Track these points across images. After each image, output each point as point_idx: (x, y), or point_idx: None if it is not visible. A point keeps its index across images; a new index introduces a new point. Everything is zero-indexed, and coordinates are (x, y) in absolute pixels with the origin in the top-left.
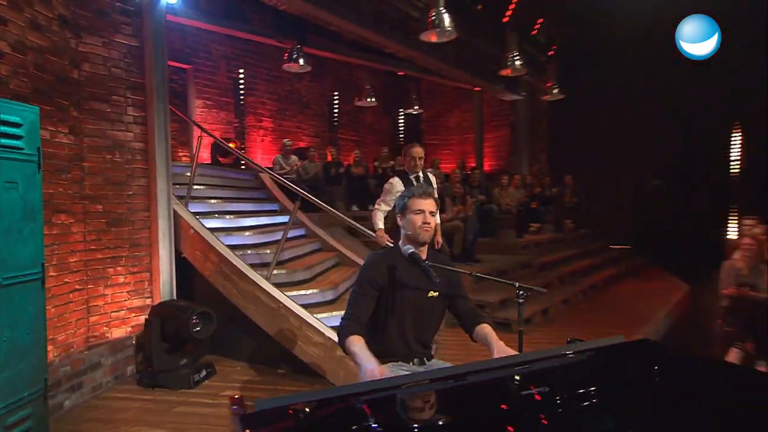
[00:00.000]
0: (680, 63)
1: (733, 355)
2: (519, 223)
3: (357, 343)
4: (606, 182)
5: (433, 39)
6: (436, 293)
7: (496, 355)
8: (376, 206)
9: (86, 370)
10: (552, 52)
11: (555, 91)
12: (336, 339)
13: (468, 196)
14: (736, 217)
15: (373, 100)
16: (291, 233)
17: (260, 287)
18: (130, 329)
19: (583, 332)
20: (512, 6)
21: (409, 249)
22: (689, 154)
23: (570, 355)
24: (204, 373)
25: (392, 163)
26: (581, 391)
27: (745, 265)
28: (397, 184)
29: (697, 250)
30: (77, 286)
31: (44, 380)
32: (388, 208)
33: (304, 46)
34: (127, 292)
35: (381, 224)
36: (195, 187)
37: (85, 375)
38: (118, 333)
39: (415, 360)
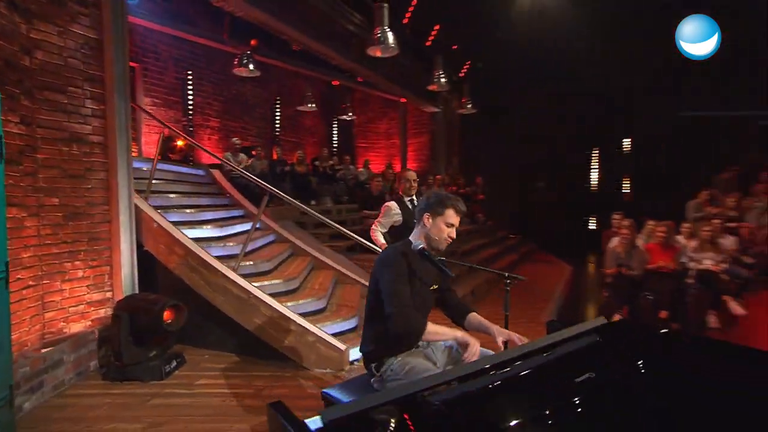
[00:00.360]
0: (564, 96)
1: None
2: None
3: (436, 325)
4: (503, 182)
5: (378, 54)
6: (436, 287)
7: (498, 337)
8: (374, 227)
9: (47, 368)
10: (463, 74)
11: (469, 106)
12: (306, 325)
13: None
14: (594, 215)
15: (314, 105)
16: (247, 226)
17: (229, 278)
18: (90, 323)
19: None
20: (434, 33)
21: (420, 244)
22: (565, 165)
23: (577, 340)
24: (174, 363)
25: (331, 162)
26: (616, 371)
27: (623, 249)
28: (394, 207)
29: (570, 238)
30: (31, 282)
31: (9, 387)
32: (384, 230)
33: (255, 53)
34: (87, 286)
35: (383, 239)
36: (152, 181)
37: (45, 374)
38: (77, 328)
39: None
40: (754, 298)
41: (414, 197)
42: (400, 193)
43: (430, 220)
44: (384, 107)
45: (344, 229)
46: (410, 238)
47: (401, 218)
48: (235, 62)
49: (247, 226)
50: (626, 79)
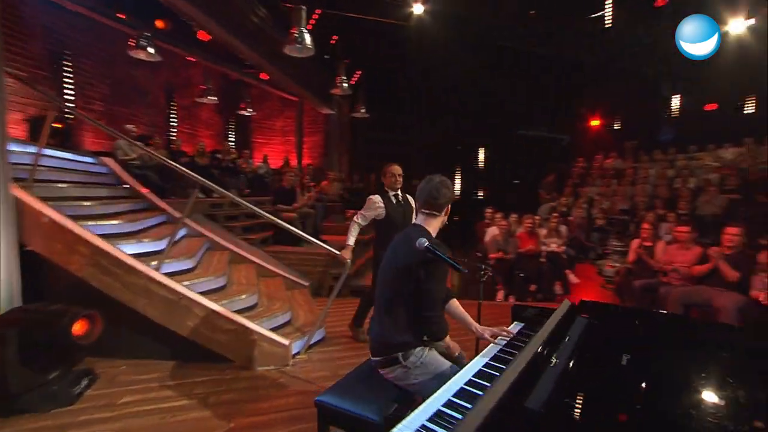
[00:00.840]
0: (437, 111)
1: (499, 295)
2: (341, 209)
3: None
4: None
5: (295, 54)
6: None
7: (485, 333)
8: (355, 218)
9: None
10: (354, 81)
11: (363, 111)
12: (246, 323)
13: (312, 186)
14: (458, 213)
15: (215, 98)
16: (152, 221)
17: (154, 279)
18: None
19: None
20: (333, 42)
21: (425, 242)
22: (436, 170)
23: (568, 328)
24: (85, 382)
25: (233, 155)
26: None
27: (502, 237)
28: (377, 201)
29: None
30: None
31: None
32: (365, 223)
33: (153, 36)
34: None
35: (352, 241)
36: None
37: None
38: None
39: None
40: (575, 271)
41: (399, 192)
42: (386, 187)
43: (448, 209)
44: (281, 105)
45: (280, 221)
46: (429, 229)
47: (384, 212)
48: (131, 43)
49: (158, 219)
50: (480, 101)
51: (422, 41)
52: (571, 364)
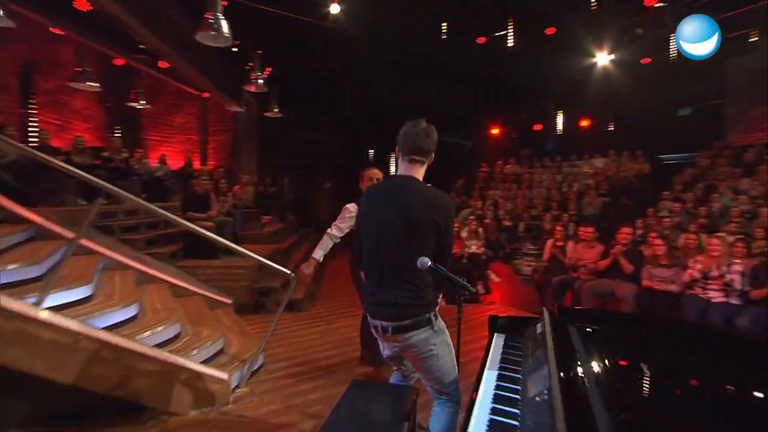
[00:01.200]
0: (360, 103)
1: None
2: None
3: None
4: (297, 182)
5: (210, 42)
6: None
7: None
8: (329, 230)
9: None
10: (265, 75)
11: (276, 109)
12: (175, 360)
13: (228, 192)
14: None
15: (96, 84)
16: (16, 238)
17: (33, 318)
18: None
19: (345, 300)
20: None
21: (427, 262)
22: (352, 171)
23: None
24: None
25: (125, 154)
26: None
27: None
28: (353, 210)
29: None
30: None
31: None
32: (341, 234)
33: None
34: None
35: (320, 255)
36: None
37: None
38: None
39: None
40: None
41: None
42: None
43: (432, 158)
44: (180, 99)
45: (212, 234)
46: (418, 178)
47: None
48: None
49: (24, 235)
50: (391, 103)
51: (338, 41)
52: (602, 380)
